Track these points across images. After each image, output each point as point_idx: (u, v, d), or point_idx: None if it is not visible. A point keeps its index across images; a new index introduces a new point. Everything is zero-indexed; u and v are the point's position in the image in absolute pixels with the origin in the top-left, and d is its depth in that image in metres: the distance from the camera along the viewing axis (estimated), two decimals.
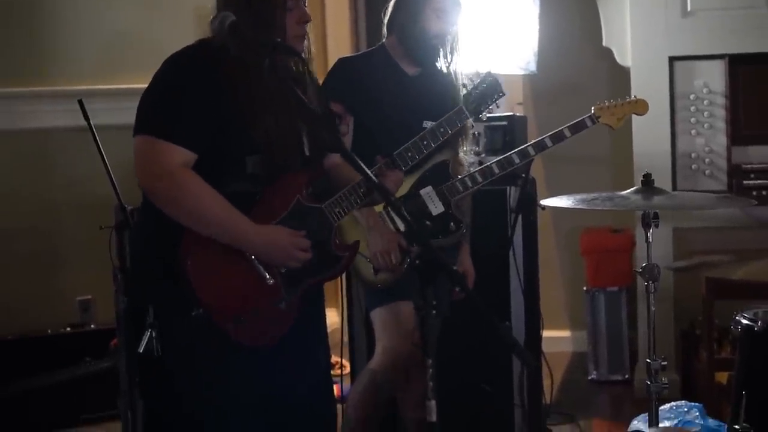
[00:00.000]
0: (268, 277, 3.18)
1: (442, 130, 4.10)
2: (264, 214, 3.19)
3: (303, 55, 3.30)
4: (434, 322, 2.59)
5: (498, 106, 4.31)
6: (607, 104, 4.41)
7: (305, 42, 3.30)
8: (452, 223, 4.29)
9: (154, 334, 3.16)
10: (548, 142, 4.36)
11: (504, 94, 4.26)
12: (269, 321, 3.22)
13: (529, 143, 4.40)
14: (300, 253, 3.21)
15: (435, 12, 4.21)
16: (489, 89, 4.21)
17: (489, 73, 4.25)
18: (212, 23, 3.18)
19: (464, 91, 4.21)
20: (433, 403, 2.60)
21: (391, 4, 4.34)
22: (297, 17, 3.23)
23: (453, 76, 4.28)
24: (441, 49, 4.24)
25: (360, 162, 2.99)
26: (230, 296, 3.16)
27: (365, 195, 3.37)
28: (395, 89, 4.23)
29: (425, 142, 4.05)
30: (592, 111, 4.40)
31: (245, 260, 3.17)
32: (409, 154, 4.00)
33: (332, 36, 7.31)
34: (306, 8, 3.27)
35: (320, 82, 4.07)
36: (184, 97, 3.10)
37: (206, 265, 3.12)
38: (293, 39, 3.22)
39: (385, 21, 4.36)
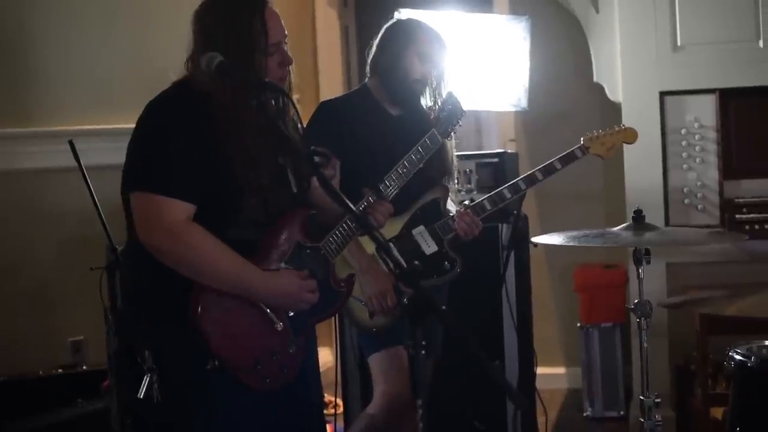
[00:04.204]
0: (277, 322, 3.19)
1: (418, 156, 4.07)
2: (267, 258, 3.19)
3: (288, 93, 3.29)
4: (424, 363, 2.57)
5: (461, 125, 4.27)
6: (596, 134, 4.41)
7: (286, 82, 3.28)
8: (446, 262, 4.27)
9: (155, 378, 3.12)
10: (539, 176, 4.35)
11: (464, 113, 4.23)
12: (281, 365, 3.22)
13: (520, 177, 4.40)
14: (310, 296, 3.22)
15: (418, 56, 4.21)
16: (455, 110, 4.17)
17: (450, 94, 4.21)
18: (192, 63, 3.17)
19: (432, 115, 4.18)
20: None
21: (375, 44, 4.34)
22: (278, 60, 3.22)
23: (462, 115, 4.26)
24: (427, 90, 4.23)
25: (347, 201, 2.97)
26: (244, 346, 3.14)
27: (357, 229, 3.40)
28: (379, 129, 4.21)
29: (404, 170, 4.02)
30: (582, 142, 4.40)
31: (254, 308, 3.16)
32: (391, 183, 3.97)
33: (324, 72, 7.35)
34: (287, 50, 3.26)
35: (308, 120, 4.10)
36: (176, 146, 3.06)
37: (218, 317, 3.09)
38: (276, 81, 3.21)
39: (369, 61, 4.36)
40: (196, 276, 3.08)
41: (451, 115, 4.16)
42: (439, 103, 4.19)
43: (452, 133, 4.23)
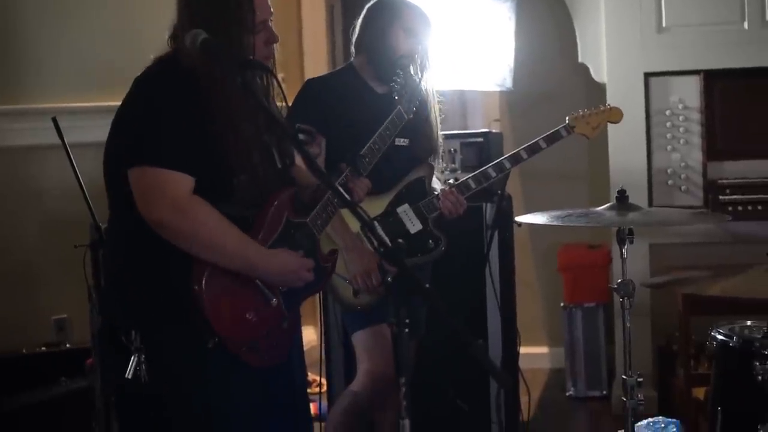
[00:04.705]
0: (271, 298, 3.19)
1: (388, 132, 4.04)
2: (259, 234, 3.18)
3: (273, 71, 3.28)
4: (408, 342, 2.57)
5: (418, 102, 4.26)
6: (581, 113, 4.42)
7: (271, 60, 3.27)
8: (431, 241, 4.27)
9: (142, 359, 3.10)
10: (524, 154, 4.36)
11: (421, 92, 4.19)
12: (276, 341, 3.23)
13: (504, 156, 4.40)
14: (308, 275, 3.23)
15: (404, 31, 4.19)
16: (415, 89, 4.13)
17: (409, 75, 4.15)
18: (176, 40, 3.16)
19: (396, 96, 4.14)
20: (407, 422, 2.58)
21: (359, 23, 4.33)
22: (265, 38, 3.21)
23: (424, 92, 4.24)
24: (410, 67, 4.19)
25: (332, 179, 2.98)
26: (243, 323, 3.13)
27: (340, 205, 3.40)
28: (365, 107, 4.20)
29: (377, 147, 3.99)
30: (567, 121, 4.41)
31: (250, 284, 3.15)
32: (366, 159, 3.93)
33: (309, 52, 7.33)
34: (273, 28, 3.25)
35: (293, 99, 4.09)
36: (171, 120, 3.03)
37: (217, 294, 3.07)
38: (261, 59, 3.20)
39: (353, 40, 4.35)
40: (198, 251, 3.04)
41: (412, 95, 4.12)
42: (398, 83, 4.14)
43: (412, 109, 4.19)
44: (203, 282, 3.05)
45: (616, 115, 4.49)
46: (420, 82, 4.15)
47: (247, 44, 3.14)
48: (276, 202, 3.23)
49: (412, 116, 4.13)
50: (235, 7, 3.12)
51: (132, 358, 3.07)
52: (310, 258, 3.29)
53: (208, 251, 3.05)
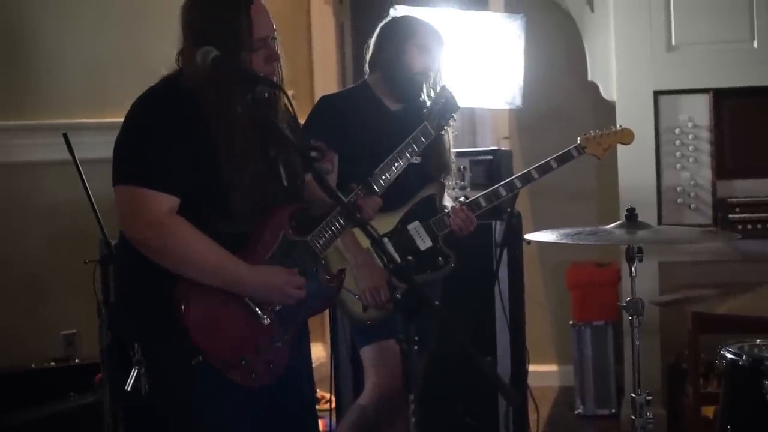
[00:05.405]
0: (263, 317, 3.18)
1: (410, 150, 4.06)
2: (253, 252, 3.19)
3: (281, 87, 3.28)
4: (416, 358, 2.57)
5: (455, 120, 4.26)
6: (593, 134, 4.42)
7: (275, 78, 3.26)
8: (440, 258, 4.28)
9: (142, 371, 3.12)
10: (535, 174, 4.36)
11: (459, 108, 4.21)
12: (268, 360, 3.21)
13: (515, 175, 4.41)
14: (296, 291, 3.21)
15: (418, 48, 4.22)
16: (448, 105, 4.14)
17: (444, 88, 4.18)
18: (183, 57, 3.18)
19: (425, 109, 4.16)
20: None
21: (372, 41, 4.35)
22: (265, 56, 3.21)
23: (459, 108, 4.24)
24: (424, 85, 4.21)
25: (341, 197, 2.98)
26: (229, 341, 3.14)
27: (345, 224, 3.39)
28: (379, 125, 4.21)
29: (396, 164, 4.01)
30: (578, 141, 4.41)
31: (239, 302, 3.16)
32: (383, 176, 3.96)
33: (319, 68, 7.34)
34: (275, 46, 3.25)
35: (305, 116, 4.09)
36: (160, 140, 3.06)
37: (203, 312, 3.09)
38: None
39: (367, 58, 4.37)
40: (180, 269, 3.08)
41: (444, 109, 4.13)
42: (432, 97, 4.17)
43: (446, 128, 4.22)
44: (187, 299, 3.08)
45: (627, 137, 4.50)
46: (454, 99, 4.15)
47: (244, 61, 3.14)
48: (272, 220, 3.23)
49: (443, 133, 4.14)
50: (230, 25, 3.13)
51: (132, 370, 3.10)
52: (310, 275, 3.29)
53: (189, 269, 3.08)
